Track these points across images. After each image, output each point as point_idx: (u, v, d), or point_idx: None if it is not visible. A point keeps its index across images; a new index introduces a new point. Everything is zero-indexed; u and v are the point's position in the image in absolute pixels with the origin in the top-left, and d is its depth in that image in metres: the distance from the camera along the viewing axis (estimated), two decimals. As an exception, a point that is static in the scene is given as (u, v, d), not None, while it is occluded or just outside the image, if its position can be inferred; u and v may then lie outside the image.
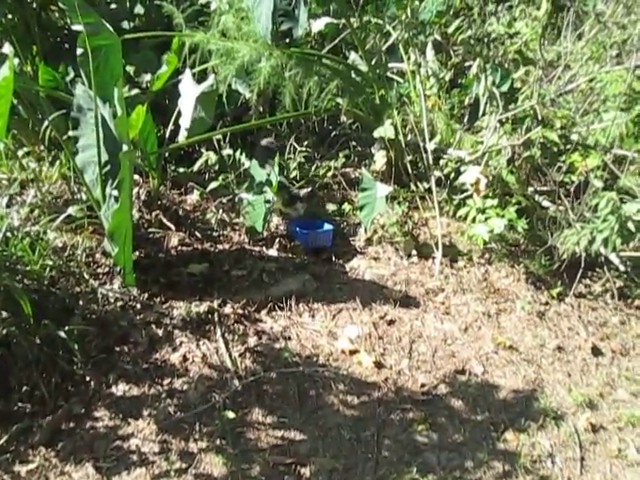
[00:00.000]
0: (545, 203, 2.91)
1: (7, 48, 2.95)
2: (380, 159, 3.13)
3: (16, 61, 2.50)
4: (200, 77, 3.10)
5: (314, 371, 2.25)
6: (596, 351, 2.49)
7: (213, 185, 2.98)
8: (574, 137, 2.94)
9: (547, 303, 2.73)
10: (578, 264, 2.66)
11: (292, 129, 3.66)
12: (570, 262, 2.69)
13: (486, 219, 2.76)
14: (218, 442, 1.94)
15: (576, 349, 2.50)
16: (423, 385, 2.24)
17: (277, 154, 3.08)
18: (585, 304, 2.75)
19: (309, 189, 3.05)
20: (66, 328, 2.09)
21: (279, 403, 2.11)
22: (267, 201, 2.86)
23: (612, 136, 2.91)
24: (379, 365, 2.31)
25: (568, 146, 2.94)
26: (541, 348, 2.48)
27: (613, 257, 2.72)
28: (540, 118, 2.87)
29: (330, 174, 3.45)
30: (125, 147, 2.18)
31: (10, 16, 3.17)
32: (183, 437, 1.95)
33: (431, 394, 2.22)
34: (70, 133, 2.47)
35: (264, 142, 3.37)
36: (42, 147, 3.08)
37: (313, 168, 3.50)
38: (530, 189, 3.00)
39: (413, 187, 3.18)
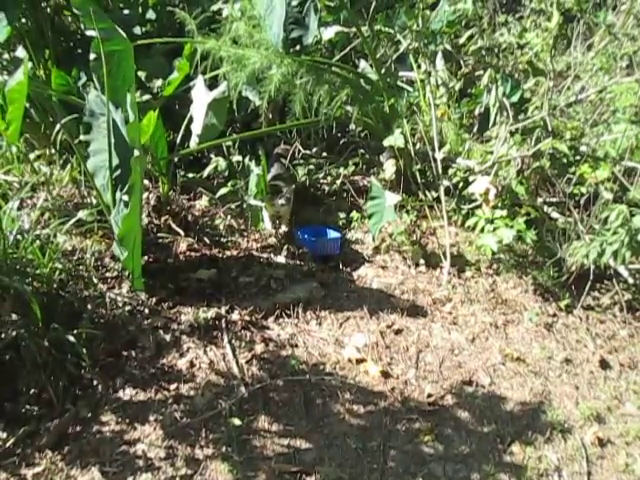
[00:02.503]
0: (554, 214, 2.90)
1: (21, 52, 2.99)
2: (389, 168, 3.13)
3: (29, 65, 2.53)
4: (211, 84, 3.11)
5: (320, 379, 2.25)
6: (604, 364, 2.48)
7: (222, 191, 2.99)
8: (584, 148, 2.94)
9: (555, 315, 2.72)
10: (587, 276, 2.64)
11: (301, 136, 3.66)
12: (579, 274, 2.68)
13: (495, 229, 2.75)
14: (224, 449, 1.94)
15: (584, 362, 2.49)
16: (430, 395, 2.24)
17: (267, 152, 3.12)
18: (593, 316, 2.73)
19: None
20: (74, 332, 2.11)
21: (285, 411, 2.11)
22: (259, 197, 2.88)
23: (622, 148, 2.90)
24: (386, 374, 2.31)
25: (577, 157, 2.93)
26: (549, 360, 2.47)
27: (622, 270, 2.71)
28: (550, 129, 2.87)
29: (339, 182, 3.45)
30: (137, 152, 2.20)
31: (24, 20, 3.20)
32: (189, 443, 1.95)
33: (438, 405, 2.21)
34: (82, 137, 2.50)
35: (279, 150, 3.40)
36: (53, 150, 3.11)
37: (322, 175, 3.51)
38: (539, 200, 2.99)
39: (422, 196, 3.18)
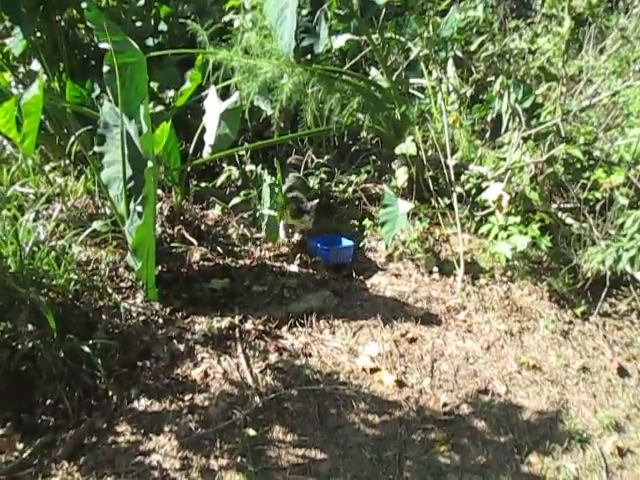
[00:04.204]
0: (569, 220, 2.87)
1: (36, 65, 3.03)
2: (402, 175, 3.13)
3: (44, 77, 2.56)
4: (223, 94, 3.13)
5: (335, 389, 2.24)
6: (622, 372, 2.44)
7: (235, 201, 3.00)
8: (597, 153, 2.92)
9: (571, 322, 2.69)
10: (603, 282, 2.61)
11: (313, 145, 3.67)
12: (594, 280, 2.65)
13: (508, 236, 2.73)
14: (239, 460, 1.93)
15: (601, 369, 2.46)
16: (445, 405, 2.22)
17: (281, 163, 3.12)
18: (610, 323, 2.70)
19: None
20: (89, 342, 2.12)
21: (300, 421, 2.10)
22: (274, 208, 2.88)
23: (637, 152, 2.87)
24: (400, 384, 2.29)
25: (591, 162, 2.91)
26: (565, 368, 2.44)
27: (639, 276, 2.68)
28: (563, 134, 2.85)
29: (351, 189, 3.45)
30: (150, 163, 2.21)
31: (39, 34, 3.25)
32: (204, 454, 1.94)
33: (453, 414, 2.18)
34: (96, 149, 2.52)
35: (292, 160, 3.42)
36: (68, 162, 3.14)
37: (333, 183, 3.51)
38: (553, 206, 2.97)
39: (434, 203, 3.17)
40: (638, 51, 3.28)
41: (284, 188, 3.04)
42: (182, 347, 2.34)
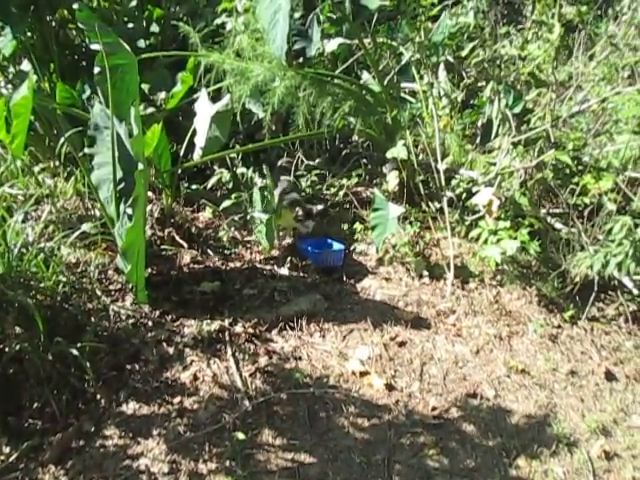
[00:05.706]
0: (558, 225, 2.89)
1: (26, 65, 3.01)
2: (393, 179, 3.14)
3: (34, 78, 2.54)
4: (214, 96, 3.13)
5: (324, 392, 2.24)
6: (610, 376, 2.46)
7: (226, 203, 2.99)
8: (587, 159, 2.94)
9: (560, 326, 2.71)
10: (591, 287, 2.63)
11: (304, 148, 3.68)
12: (583, 285, 2.67)
13: (498, 240, 2.75)
14: (228, 463, 1.92)
15: (589, 374, 2.47)
16: (434, 408, 2.22)
17: (272, 171, 3.13)
18: (598, 328, 2.72)
19: (321, 206, 3.05)
20: (78, 345, 2.10)
21: (289, 424, 2.10)
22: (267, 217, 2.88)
23: (625, 158, 2.90)
24: (390, 387, 2.29)
25: (580, 168, 2.93)
26: (554, 372, 2.46)
27: (627, 280, 2.70)
28: (553, 140, 2.88)
29: (342, 193, 3.46)
30: (140, 165, 2.20)
31: (29, 34, 3.23)
32: (193, 458, 1.94)
33: (442, 418, 2.19)
34: (86, 150, 2.50)
35: (281, 162, 3.42)
36: (57, 163, 3.12)
37: (325, 187, 3.51)
38: (542, 211, 2.99)
39: (425, 207, 3.18)
40: (627, 58, 3.31)
41: (277, 192, 3.04)
42: (171, 350, 2.33)
